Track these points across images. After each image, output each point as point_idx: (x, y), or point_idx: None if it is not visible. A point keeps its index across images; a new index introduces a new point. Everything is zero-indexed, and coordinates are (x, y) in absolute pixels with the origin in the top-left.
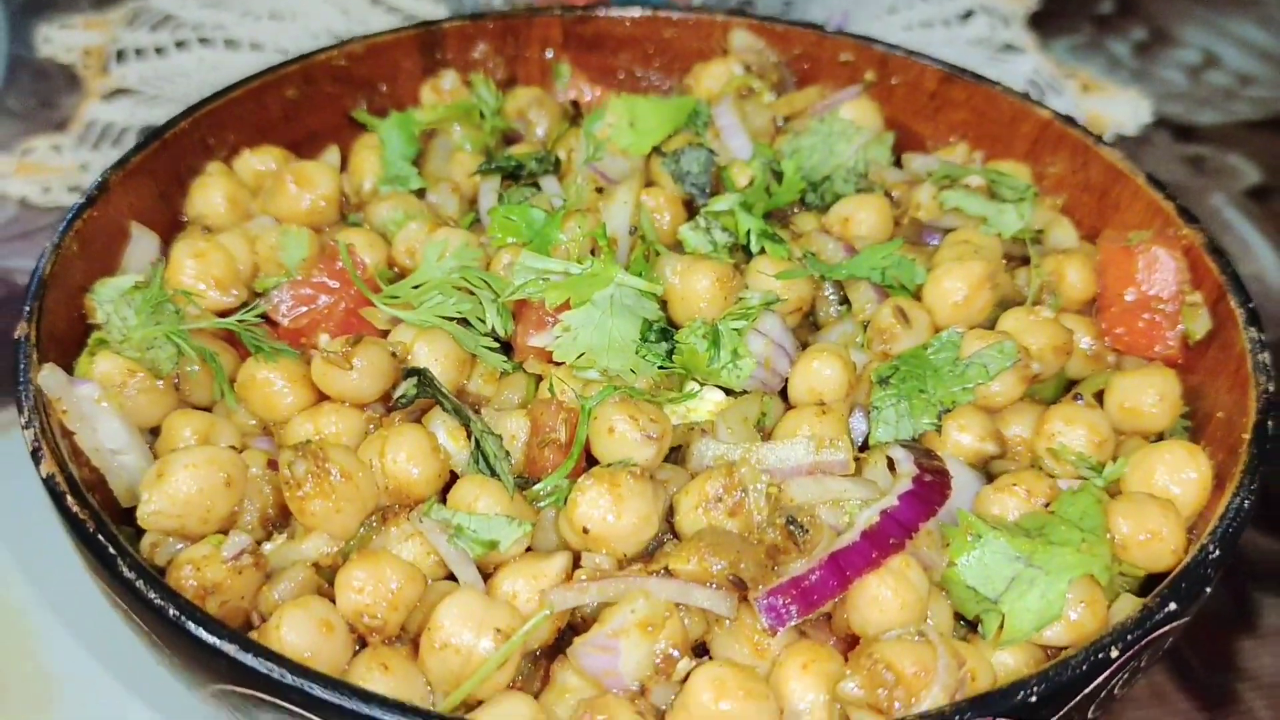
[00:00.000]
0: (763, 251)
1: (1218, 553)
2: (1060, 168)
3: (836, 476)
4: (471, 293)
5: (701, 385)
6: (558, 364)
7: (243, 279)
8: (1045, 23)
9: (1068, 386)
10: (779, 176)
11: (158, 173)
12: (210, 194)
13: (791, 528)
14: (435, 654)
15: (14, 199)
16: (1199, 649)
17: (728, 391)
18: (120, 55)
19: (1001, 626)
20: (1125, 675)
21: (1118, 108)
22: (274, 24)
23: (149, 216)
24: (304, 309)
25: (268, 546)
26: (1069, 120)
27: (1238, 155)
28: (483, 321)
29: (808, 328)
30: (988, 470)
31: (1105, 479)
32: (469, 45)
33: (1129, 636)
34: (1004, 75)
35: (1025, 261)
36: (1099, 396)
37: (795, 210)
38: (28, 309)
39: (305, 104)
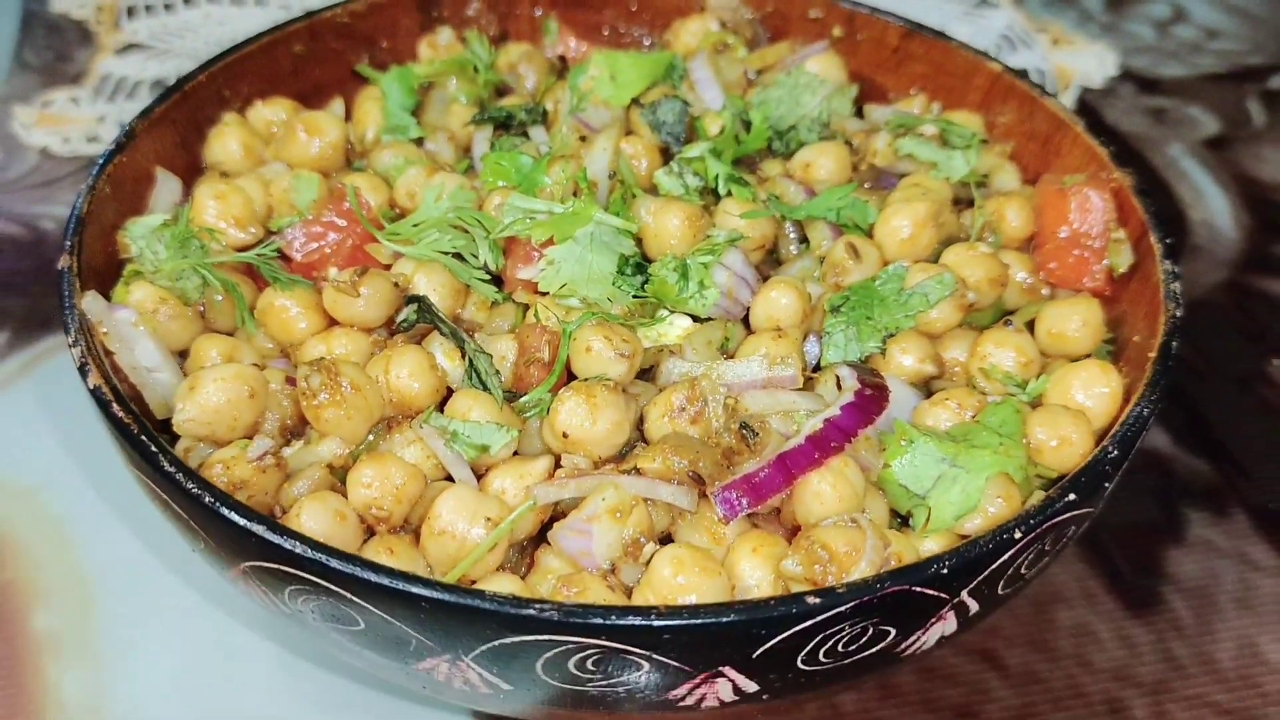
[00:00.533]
0: (729, 194)
1: (1116, 453)
2: (1009, 117)
3: (787, 390)
4: (465, 231)
5: (671, 313)
6: (542, 294)
7: (259, 219)
8: None
9: (1003, 316)
10: (748, 126)
11: (178, 122)
12: (227, 141)
13: (744, 432)
14: (434, 539)
15: (35, 149)
16: (1128, 555)
17: (695, 319)
18: (130, 11)
19: (928, 520)
20: (1030, 556)
21: (1084, 61)
22: None
23: (171, 162)
24: (315, 245)
25: (287, 451)
26: (1019, 73)
27: (1198, 107)
28: (475, 257)
29: (770, 264)
30: (928, 389)
31: (1029, 394)
32: (463, 3)
33: (1031, 521)
34: (978, 30)
35: (972, 204)
36: (1031, 326)
37: (762, 157)
38: (69, 243)
39: (312, 59)
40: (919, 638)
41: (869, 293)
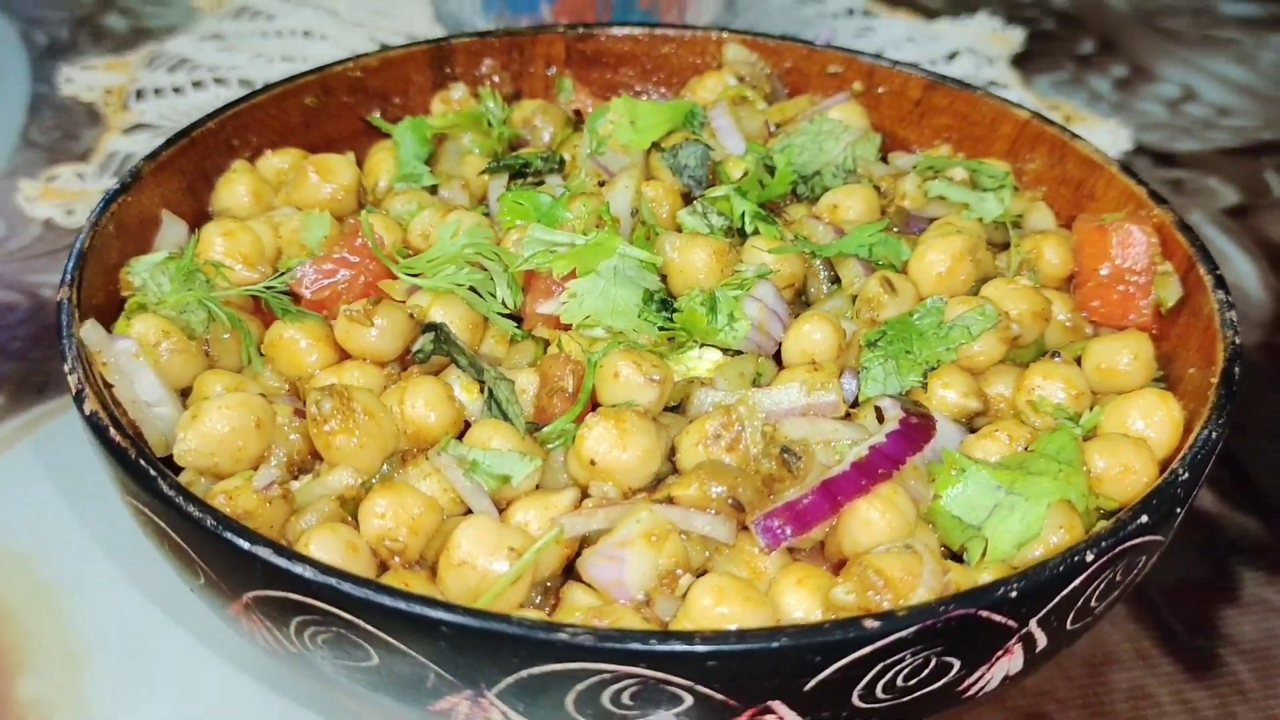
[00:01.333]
0: (756, 232)
1: (1187, 475)
2: (1039, 163)
3: (828, 419)
4: (483, 269)
5: (700, 346)
6: (564, 328)
7: (267, 259)
8: (1028, 62)
9: (1048, 354)
10: (771, 171)
11: (185, 168)
12: (235, 188)
13: (786, 456)
14: (453, 571)
15: (39, 221)
16: (1182, 615)
17: (725, 352)
18: (139, 94)
19: (985, 552)
20: (1101, 586)
21: (1098, 137)
22: (285, 65)
23: (177, 208)
24: (326, 282)
25: (295, 485)
26: (1046, 119)
27: (1216, 179)
28: (493, 296)
29: (800, 305)
30: (971, 426)
31: (1082, 427)
32: (476, 61)
33: (1103, 544)
34: None
35: (1006, 247)
36: (1077, 363)
37: (786, 203)
38: (68, 276)
39: (323, 112)
40: (984, 674)
41: (907, 327)
